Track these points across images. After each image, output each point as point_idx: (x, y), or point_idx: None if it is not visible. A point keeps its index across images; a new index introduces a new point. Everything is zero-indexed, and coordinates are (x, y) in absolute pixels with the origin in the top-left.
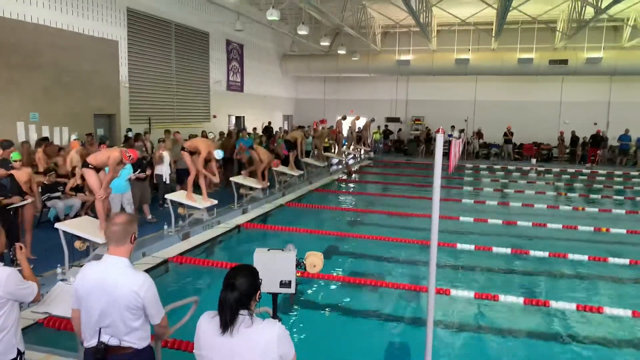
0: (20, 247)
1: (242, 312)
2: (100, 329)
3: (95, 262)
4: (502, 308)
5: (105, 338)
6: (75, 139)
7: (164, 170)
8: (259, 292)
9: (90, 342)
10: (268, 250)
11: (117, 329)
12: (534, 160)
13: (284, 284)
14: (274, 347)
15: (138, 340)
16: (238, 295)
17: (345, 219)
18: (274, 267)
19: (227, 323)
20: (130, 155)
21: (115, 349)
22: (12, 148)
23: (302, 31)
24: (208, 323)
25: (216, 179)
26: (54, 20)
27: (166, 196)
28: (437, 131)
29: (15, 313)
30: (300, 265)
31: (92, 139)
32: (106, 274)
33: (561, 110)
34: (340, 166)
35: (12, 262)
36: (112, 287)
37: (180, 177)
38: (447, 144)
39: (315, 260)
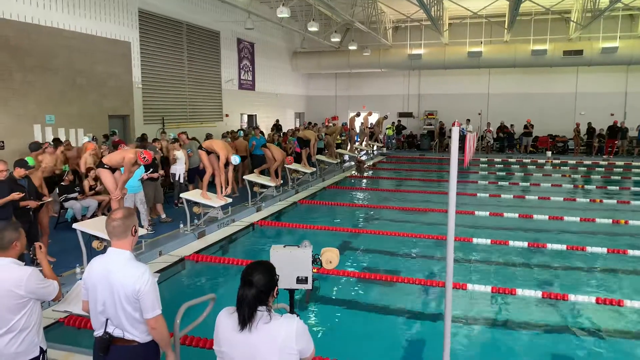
0: (40, 247)
1: (260, 308)
2: (107, 319)
3: (101, 255)
4: (519, 302)
5: (110, 329)
6: (88, 141)
7: (178, 170)
8: (276, 288)
9: (98, 332)
10: (284, 246)
11: (120, 320)
12: (549, 153)
13: (301, 280)
14: (293, 342)
15: (141, 333)
16: (256, 291)
17: (358, 215)
18: (290, 263)
19: (245, 319)
20: (145, 157)
21: (119, 340)
22: (41, 150)
23: (313, 28)
24: (227, 319)
25: (228, 190)
26: (67, 23)
27: (181, 195)
28: (453, 124)
29: (37, 312)
30: (316, 261)
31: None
32: (109, 266)
33: (576, 102)
34: (353, 162)
35: (32, 262)
36: (112, 279)
37: (190, 176)
38: (462, 138)
39: (331, 256)
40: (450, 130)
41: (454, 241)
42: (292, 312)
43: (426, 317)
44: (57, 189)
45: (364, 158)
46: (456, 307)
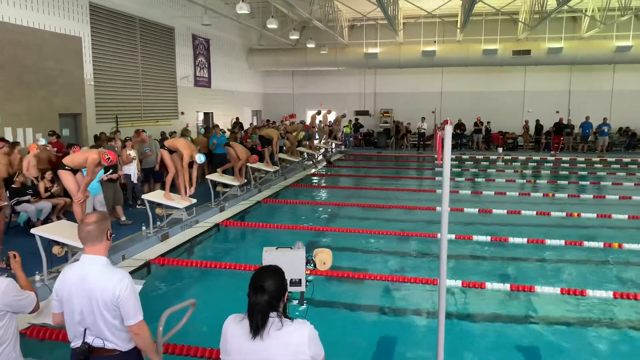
0: (14, 256)
1: (271, 314)
2: (85, 329)
3: (74, 263)
4: (490, 295)
5: (89, 339)
6: (42, 143)
7: (132, 170)
8: (287, 293)
9: (76, 342)
10: (277, 248)
11: (100, 329)
12: (500, 149)
13: (294, 283)
14: (306, 348)
15: (122, 342)
16: (268, 298)
17: (322, 213)
18: (283, 265)
19: (258, 327)
20: (109, 157)
21: (99, 350)
22: None
23: (272, 25)
24: (236, 326)
25: (192, 190)
26: (12, 16)
27: (143, 196)
28: (445, 123)
29: (14, 325)
30: (309, 263)
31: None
32: (85, 273)
33: (525, 100)
34: (313, 160)
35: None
36: (90, 286)
37: (146, 176)
38: (422, 136)
39: (325, 257)
40: (405, 128)
41: (420, 237)
42: (285, 315)
43: (396, 313)
44: (7, 192)
45: (320, 158)
46: (429, 302)
